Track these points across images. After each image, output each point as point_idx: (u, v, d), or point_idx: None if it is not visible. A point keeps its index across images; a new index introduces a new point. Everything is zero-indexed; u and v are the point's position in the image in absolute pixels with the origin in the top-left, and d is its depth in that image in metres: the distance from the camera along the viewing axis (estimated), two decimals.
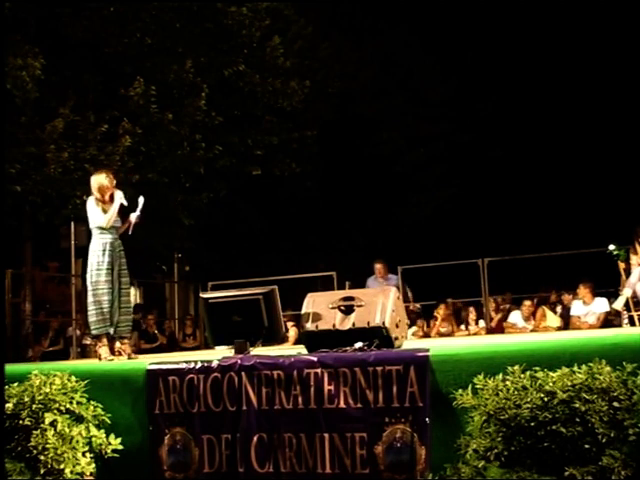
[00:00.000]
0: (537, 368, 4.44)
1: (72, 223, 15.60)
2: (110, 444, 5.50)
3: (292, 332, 11.86)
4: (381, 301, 5.57)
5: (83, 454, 5.37)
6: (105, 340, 7.74)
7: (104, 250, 7.73)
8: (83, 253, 17.09)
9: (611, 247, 12.07)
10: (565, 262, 13.58)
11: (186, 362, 5.56)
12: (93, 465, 5.42)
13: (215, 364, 5.42)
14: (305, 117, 18.04)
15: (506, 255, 13.56)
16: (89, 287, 7.71)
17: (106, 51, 14.74)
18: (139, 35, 14.90)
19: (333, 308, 5.66)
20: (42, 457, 5.22)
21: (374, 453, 4.92)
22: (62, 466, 5.22)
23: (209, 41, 16.00)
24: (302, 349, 5.77)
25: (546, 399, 4.17)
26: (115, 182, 8.05)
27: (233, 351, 5.89)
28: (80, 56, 14.66)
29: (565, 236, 18.23)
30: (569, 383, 4.19)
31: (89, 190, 8.12)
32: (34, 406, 5.34)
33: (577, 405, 4.09)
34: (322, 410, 5.08)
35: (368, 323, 5.49)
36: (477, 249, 14.78)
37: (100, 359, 7.67)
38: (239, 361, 5.37)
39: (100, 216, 7.78)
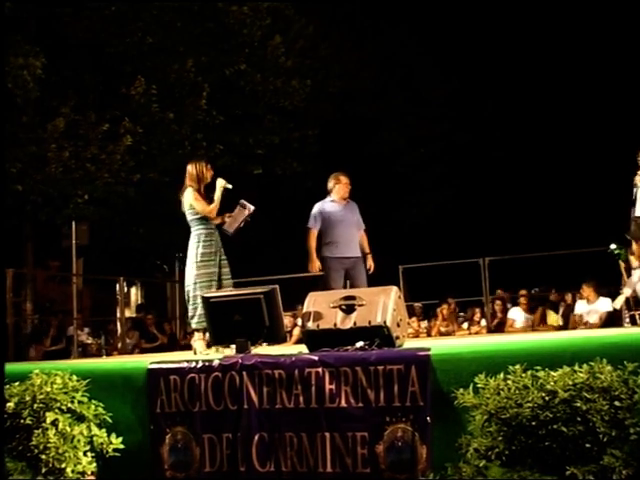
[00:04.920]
0: (538, 367, 4.44)
1: (73, 222, 15.62)
2: (111, 443, 5.50)
3: (295, 331, 11.83)
4: (382, 300, 5.57)
5: (84, 453, 5.37)
6: (201, 334, 7.39)
7: (209, 240, 7.52)
8: (84, 252, 17.21)
9: (612, 246, 12.08)
10: (566, 261, 13.59)
11: (187, 361, 5.56)
12: (94, 464, 5.42)
13: (216, 363, 5.42)
14: (306, 116, 18.05)
15: (507, 254, 13.57)
16: (192, 280, 7.43)
17: (107, 50, 14.77)
18: (140, 34, 14.94)
19: (334, 307, 5.65)
20: (43, 456, 5.22)
21: (375, 452, 4.92)
22: (63, 465, 5.22)
23: (210, 40, 16.04)
24: (303, 348, 5.77)
25: (547, 398, 4.16)
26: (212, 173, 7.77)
27: (234, 350, 5.89)
28: (81, 55, 14.70)
29: (566, 235, 18.23)
30: (570, 382, 4.19)
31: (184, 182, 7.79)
32: (35, 405, 5.33)
33: (578, 404, 4.09)
34: (323, 409, 5.08)
35: (369, 322, 5.49)
36: (478, 248, 14.77)
37: (195, 353, 7.32)
38: (240, 360, 5.37)
39: (205, 205, 7.53)
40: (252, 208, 7.66)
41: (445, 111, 21.46)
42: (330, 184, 9.04)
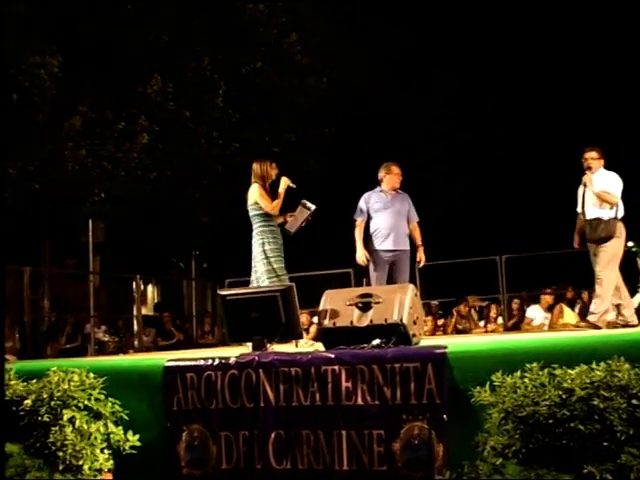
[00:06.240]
0: (555, 365, 4.42)
1: (90, 220, 15.68)
2: (128, 440, 5.52)
3: (312, 329, 11.81)
4: (399, 298, 5.56)
5: (101, 450, 5.39)
6: None
7: (272, 237, 7.69)
8: (100, 250, 17.28)
9: (630, 244, 12.01)
10: (583, 259, 13.50)
11: (204, 359, 5.57)
12: (111, 461, 5.44)
13: (233, 361, 5.43)
14: (322, 114, 18.03)
15: (524, 252, 13.50)
16: (264, 275, 7.53)
17: (123, 49, 14.79)
18: (156, 33, 14.95)
19: (350, 305, 5.64)
20: (60, 453, 5.24)
21: (392, 450, 4.91)
22: (80, 462, 5.24)
23: (226, 39, 16.04)
24: (320, 346, 5.77)
25: (564, 396, 4.15)
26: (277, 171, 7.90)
27: (251, 348, 5.90)
28: (97, 54, 14.72)
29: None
30: (587, 380, 4.17)
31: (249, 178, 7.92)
32: (52, 402, 5.35)
33: (595, 402, 4.07)
34: (340, 407, 5.08)
35: (385, 320, 5.48)
36: (495, 246, 14.72)
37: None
38: (257, 358, 5.38)
39: (269, 202, 7.68)
40: (313, 207, 7.78)
41: (446, 111, 21.43)
42: (381, 174, 8.72)
